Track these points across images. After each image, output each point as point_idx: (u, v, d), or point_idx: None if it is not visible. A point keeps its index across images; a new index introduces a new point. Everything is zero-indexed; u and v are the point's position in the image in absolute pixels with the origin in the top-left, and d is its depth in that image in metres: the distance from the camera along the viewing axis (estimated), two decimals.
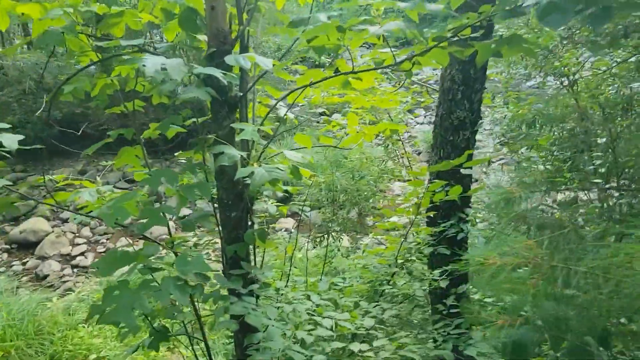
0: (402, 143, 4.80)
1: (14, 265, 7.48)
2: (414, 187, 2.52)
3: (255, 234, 2.45)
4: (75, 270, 7.42)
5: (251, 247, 2.62)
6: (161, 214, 2.20)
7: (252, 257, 2.65)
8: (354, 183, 4.91)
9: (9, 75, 10.53)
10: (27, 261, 7.57)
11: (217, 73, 2.06)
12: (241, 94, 2.42)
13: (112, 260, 2.17)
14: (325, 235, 5.21)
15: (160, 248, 2.45)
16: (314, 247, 5.48)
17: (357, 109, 3.27)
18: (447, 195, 2.41)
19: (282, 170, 2.16)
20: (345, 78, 2.25)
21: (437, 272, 2.53)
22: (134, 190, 2.36)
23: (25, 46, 10.95)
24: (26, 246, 7.94)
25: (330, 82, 2.29)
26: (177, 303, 2.38)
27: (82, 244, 8.05)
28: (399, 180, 8.55)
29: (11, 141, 1.96)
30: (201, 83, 2.31)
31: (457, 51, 2.03)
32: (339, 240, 5.18)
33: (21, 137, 2.00)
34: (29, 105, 10.64)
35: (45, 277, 7.19)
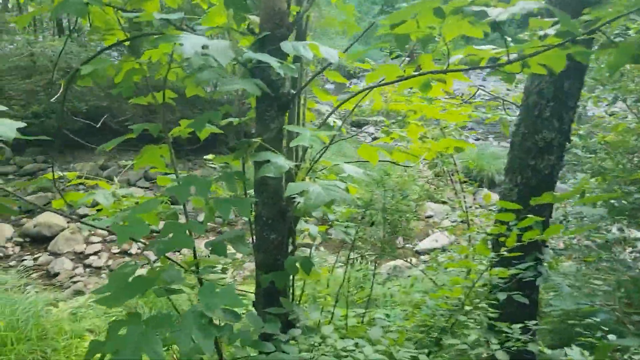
0: (455, 162, 4.32)
1: (25, 259, 7.14)
2: (503, 220, 2.05)
3: (299, 262, 2.01)
4: (87, 270, 7.05)
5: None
6: (187, 232, 1.77)
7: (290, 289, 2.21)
8: (395, 203, 4.44)
9: (38, 63, 10.31)
10: (39, 256, 7.23)
11: (273, 61, 1.62)
12: (294, 92, 1.98)
13: (122, 285, 1.75)
14: (358, 258, 4.75)
15: (183, 272, 2.02)
16: (338, 266, 5.04)
17: (404, 119, 2.83)
18: (542, 234, 1.94)
19: (341, 188, 1.71)
20: (428, 78, 1.80)
21: (517, 327, 2.05)
22: (154, 198, 1.94)
23: (57, 34, 10.74)
24: (40, 240, 7.61)
25: (408, 83, 1.84)
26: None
27: (97, 242, 7.69)
28: (433, 201, 8.05)
29: (8, 129, 1.56)
30: (247, 73, 1.88)
31: (579, 53, 1.57)
32: (373, 264, 4.71)
33: (21, 124, 1.59)
34: (55, 94, 10.39)
35: (56, 275, 6.83)
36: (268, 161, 1.77)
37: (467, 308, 2.17)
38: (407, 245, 7.39)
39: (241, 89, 1.96)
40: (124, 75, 2.04)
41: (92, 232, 7.96)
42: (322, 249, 7.18)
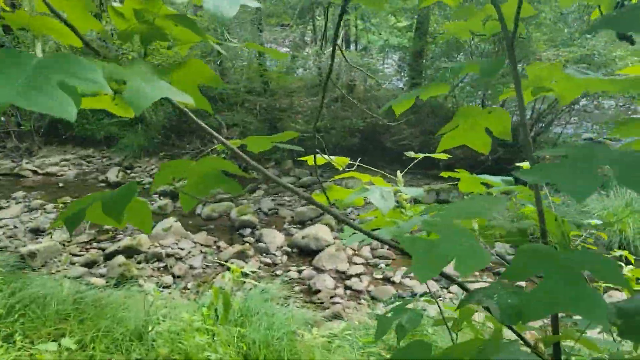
0: None
1: (290, 270, 7.00)
2: None
3: None
4: (347, 292, 6.53)
5: None
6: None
7: None
8: None
9: (323, 80, 10.61)
10: (304, 270, 7.01)
11: None
12: None
13: None
14: None
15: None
16: None
17: None
18: None
19: None
20: None
21: None
22: (493, 196, 0.93)
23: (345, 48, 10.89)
24: (306, 253, 7.44)
25: None
26: None
27: (360, 264, 7.17)
28: None
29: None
30: None
31: None
32: None
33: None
34: (336, 111, 10.53)
35: (317, 292, 6.46)
36: None
37: None
38: None
39: None
40: None
41: (356, 252, 7.49)
42: None
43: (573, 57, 7.92)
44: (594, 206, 7.55)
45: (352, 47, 12.58)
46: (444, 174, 1.89)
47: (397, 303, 1.66)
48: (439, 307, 1.56)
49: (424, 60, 11.35)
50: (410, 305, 1.63)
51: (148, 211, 1.03)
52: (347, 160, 1.79)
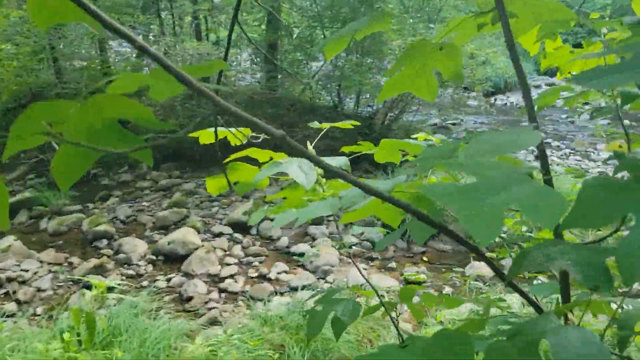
0: None
1: (158, 280, 6.43)
2: None
3: None
4: (222, 295, 6.15)
5: None
6: None
7: None
8: None
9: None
10: (173, 277, 6.48)
11: None
12: None
13: None
14: None
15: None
16: None
17: None
18: None
19: None
20: None
21: None
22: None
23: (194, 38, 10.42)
24: (173, 259, 6.90)
25: None
26: None
27: (233, 264, 6.81)
28: None
29: None
30: None
31: None
32: None
33: None
34: (192, 109, 10.02)
35: (190, 299, 6.00)
36: None
37: None
38: None
39: None
40: None
41: (228, 253, 7.13)
42: None
43: None
44: None
45: (204, 41, 12.08)
46: (345, 149, 1.70)
47: (322, 294, 1.42)
48: (375, 291, 1.35)
49: (278, 54, 11.25)
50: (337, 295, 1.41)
51: (4, 192, 0.67)
52: (249, 131, 1.50)
